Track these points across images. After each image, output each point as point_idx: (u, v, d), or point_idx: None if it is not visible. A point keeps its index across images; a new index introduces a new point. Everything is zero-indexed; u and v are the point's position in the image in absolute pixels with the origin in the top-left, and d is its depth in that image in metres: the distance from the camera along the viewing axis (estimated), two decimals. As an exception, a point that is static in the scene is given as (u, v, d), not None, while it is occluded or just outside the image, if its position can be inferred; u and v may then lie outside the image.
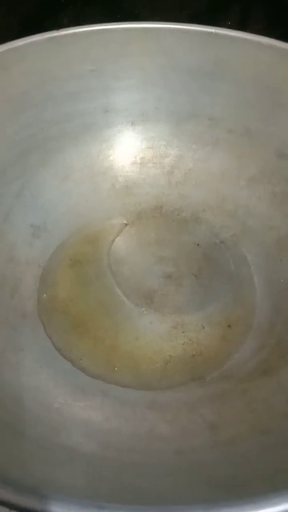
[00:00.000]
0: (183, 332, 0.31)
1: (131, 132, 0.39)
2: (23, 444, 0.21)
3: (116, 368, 0.29)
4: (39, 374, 0.27)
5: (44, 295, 0.32)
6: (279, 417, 0.24)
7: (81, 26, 0.36)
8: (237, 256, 0.36)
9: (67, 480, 0.18)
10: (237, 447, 0.22)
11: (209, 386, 0.28)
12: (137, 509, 0.14)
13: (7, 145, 0.35)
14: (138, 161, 0.40)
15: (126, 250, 0.36)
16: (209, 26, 0.36)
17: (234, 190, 0.38)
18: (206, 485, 0.19)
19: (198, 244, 0.36)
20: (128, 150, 0.39)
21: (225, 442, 0.23)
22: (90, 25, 0.36)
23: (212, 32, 0.36)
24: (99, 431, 0.24)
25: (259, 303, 0.33)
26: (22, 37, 0.35)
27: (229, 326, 0.31)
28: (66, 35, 0.36)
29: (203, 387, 0.28)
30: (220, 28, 0.36)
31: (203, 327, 0.31)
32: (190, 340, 0.31)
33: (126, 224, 0.37)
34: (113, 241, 0.36)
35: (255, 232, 0.36)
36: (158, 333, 0.31)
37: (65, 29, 0.36)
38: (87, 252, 0.36)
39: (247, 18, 0.48)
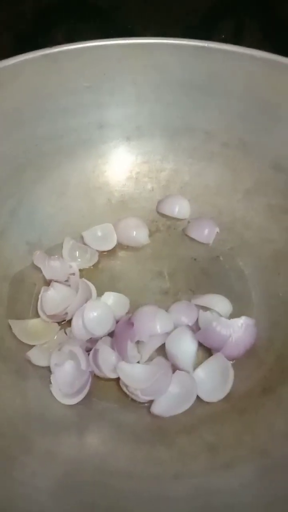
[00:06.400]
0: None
1: (126, 147, 0.39)
2: (16, 473, 0.20)
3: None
4: (34, 397, 0.27)
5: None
6: (278, 437, 0.24)
7: (76, 43, 0.36)
8: (234, 270, 0.35)
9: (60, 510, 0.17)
10: (236, 471, 0.22)
11: (208, 405, 0.27)
12: None
13: (2, 162, 0.35)
14: (134, 176, 0.40)
15: (122, 265, 0.36)
16: (201, 40, 0.36)
17: (230, 203, 0.38)
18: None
19: (195, 259, 0.36)
20: (124, 165, 0.39)
21: (224, 465, 0.23)
22: (85, 42, 0.36)
23: (204, 46, 0.36)
24: (95, 455, 0.24)
25: (257, 318, 0.32)
26: (17, 52, 0.35)
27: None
28: (60, 52, 0.36)
29: (203, 407, 0.27)
30: (212, 42, 0.36)
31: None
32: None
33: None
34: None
35: (252, 245, 0.36)
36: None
37: (59, 46, 0.36)
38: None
39: (241, 31, 0.48)
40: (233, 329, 0.28)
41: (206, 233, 0.37)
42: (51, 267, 0.33)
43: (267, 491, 0.19)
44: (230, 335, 0.28)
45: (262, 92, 0.36)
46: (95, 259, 0.35)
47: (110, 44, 0.37)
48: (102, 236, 0.37)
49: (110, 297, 0.32)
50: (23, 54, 0.35)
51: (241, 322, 0.29)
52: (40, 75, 0.36)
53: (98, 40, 0.37)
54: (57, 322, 0.31)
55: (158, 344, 0.29)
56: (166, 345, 0.29)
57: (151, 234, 0.37)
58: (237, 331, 0.28)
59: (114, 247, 0.36)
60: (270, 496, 0.19)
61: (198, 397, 0.27)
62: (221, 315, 0.31)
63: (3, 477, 0.20)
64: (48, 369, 0.28)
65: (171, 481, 0.22)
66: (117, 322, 0.30)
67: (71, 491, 0.20)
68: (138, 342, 0.29)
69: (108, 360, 0.28)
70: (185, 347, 0.29)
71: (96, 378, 0.28)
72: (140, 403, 0.27)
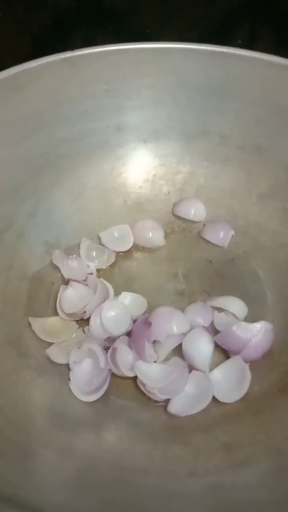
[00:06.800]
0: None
1: (143, 150, 0.40)
2: (35, 467, 0.21)
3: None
4: (53, 394, 0.27)
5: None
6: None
7: (95, 47, 0.37)
8: (249, 273, 0.35)
9: (79, 504, 0.18)
10: (250, 469, 0.22)
11: (224, 405, 0.28)
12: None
13: (20, 164, 0.36)
14: (150, 178, 0.40)
15: (138, 266, 0.36)
16: (218, 46, 0.37)
17: (245, 206, 0.38)
18: (219, 509, 0.18)
19: (210, 261, 0.36)
20: (141, 168, 0.40)
21: (239, 463, 0.23)
22: (104, 46, 0.37)
23: (223, 52, 0.37)
24: (113, 451, 0.24)
25: (272, 320, 0.32)
26: (35, 57, 0.36)
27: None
28: (80, 55, 0.36)
29: (218, 407, 0.27)
30: (230, 48, 0.36)
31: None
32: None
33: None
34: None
35: (266, 248, 0.36)
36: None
37: (79, 50, 0.37)
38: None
39: (256, 36, 0.49)
40: (252, 333, 0.29)
41: (221, 235, 0.37)
42: (69, 267, 0.34)
43: (282, 489, 0.20)
44: (250, 339, 0.28)
45: (277, 97, 0.36)
46: (112, 259, 0.36)
47: (129, 48, 0.37)
48: (119, 237, 0.37)
49: (127, 297, 0.32)
50: (43, 58, 0.36)
51: (260, 326, 0.29)
52: (60, 79, 0.36)
53: (117, 44, 0.37)
54: (75, 321, 0.32)
55: (175, 344, 0.30)
56: (183, 346, 0.29)
57: (166, 236, 0.38)
58: (256, 335, 0.29)
59: (130, 248, 0.37)
60: (285, 493, 0.19)
61: (214, 397, 0.28)
62: (236, 317, 0.31)
63: (23, 471, 0.20)
64: (66, 367, 0.29)
65: (186, 478, 0.22)
66: (134, 321, 0.31)
67: (88, 486, 0.21)
68: (155, 342, 0.29)
69: (125, 359, 0.28)
70: (201, 348, 0.29)
71: (114, 376, 0.29)
72: (156, 402, 0.27)
